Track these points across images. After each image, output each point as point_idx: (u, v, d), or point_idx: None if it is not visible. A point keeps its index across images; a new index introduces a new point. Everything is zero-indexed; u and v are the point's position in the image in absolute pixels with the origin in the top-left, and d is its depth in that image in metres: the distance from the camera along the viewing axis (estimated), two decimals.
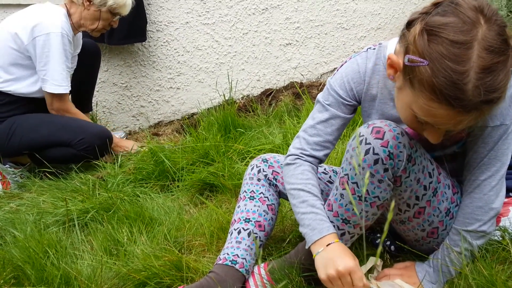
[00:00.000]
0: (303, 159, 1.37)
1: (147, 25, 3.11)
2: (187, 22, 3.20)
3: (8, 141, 2.46)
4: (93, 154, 2.47)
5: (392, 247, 1.48)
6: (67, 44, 2.44)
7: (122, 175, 2.19)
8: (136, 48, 3.21)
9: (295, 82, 3.31)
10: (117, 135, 3.10)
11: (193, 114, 3.37)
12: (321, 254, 1.22)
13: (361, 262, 1.41)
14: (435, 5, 1.07)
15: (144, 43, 3.16)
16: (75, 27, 2.57)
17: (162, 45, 3.23)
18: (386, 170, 1.18)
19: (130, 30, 3.02)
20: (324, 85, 3.16)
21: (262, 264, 1.42)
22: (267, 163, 1.57)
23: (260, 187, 1.53)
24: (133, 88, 3.29)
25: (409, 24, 1.09)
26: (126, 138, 3.16)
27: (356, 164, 1.20)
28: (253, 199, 1.51)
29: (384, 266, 1.42)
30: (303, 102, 2.88)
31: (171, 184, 2.16)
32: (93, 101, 3.05)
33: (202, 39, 3.25)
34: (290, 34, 3.33)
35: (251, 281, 1.40)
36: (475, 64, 0.97)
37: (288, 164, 1.39)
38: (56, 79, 2.43)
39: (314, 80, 3.43)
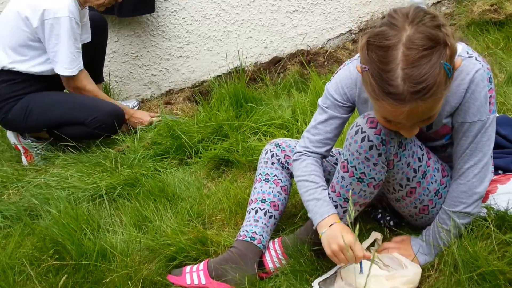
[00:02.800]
0: (307, 155, 1.58)
1: None
2: None
3: (26, 120, 2.63)
4: (106, 131, 2.63)
5: (392, 222, 1.70)
6: (75, 27, 2.56)
7: (143, 151, 2.38)
8: (145, 19, 3.32)
9: (302, 50, 3.44)
10: (130, 104, 3.29)
11: (203, 81, 3.53)
12: (325, 233, 1.44)
13: (364, 237, 1.64)
14: (382, 18, 1.27)
15: (152, 13, 3.28)
16: (81, 3, 2.67)
17: (170, 14, 3.34)
18: (379, 154, 1.39)
19: (139, 2, 3.13)
20: (329, 52, 3.31)
21: (277, 240, 1.65)
22: (280, 147, 1.77)
23: (274, 170, 1.73)
24: (144, 58, 3.44)
25: (362, 36, 1.27)
26: (139, 107, 3.34)
27: (354, 150, 1.40)
28: (268, 181, 1.72)
29: (384, 240, 1.64)
30: (309, 73, 3.02)
31: (188, 159, 2.36)
32: (105, 72, 3.21)
33: (210, 8, 3.36)
34: (296, 1, 3.42)
35: (267, 255, 1.63)
36: (400, 62, 1.16)
37: (295, 160, 1.60)
38: (65, 62, 2.56)
39: (320, 47, 3.55)
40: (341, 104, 1.53)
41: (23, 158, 2.77)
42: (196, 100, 3.25)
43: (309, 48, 3.51)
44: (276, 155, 1.75)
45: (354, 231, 1.31)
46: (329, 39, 3.56)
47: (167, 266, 1.64)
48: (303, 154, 1.59)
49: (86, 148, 2.63)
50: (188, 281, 1.56)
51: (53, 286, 1.63)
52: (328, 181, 1.72)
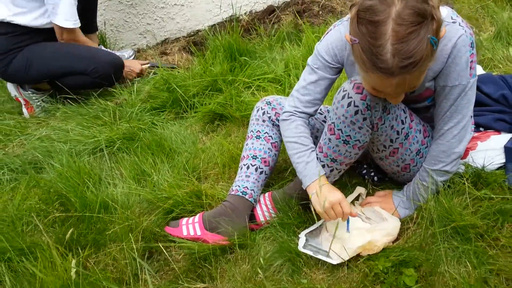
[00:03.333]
0: (297, 115, 1.64)
1: None
2: None
3: (27, 71, 2.67)
4: (107, 81, 2.70)
5: (375, 178, 1.80)
6: None
7: (140, 104, 2.45)
8: None
9: None
10: (126, 54, 3.31)
11: (198, 31, 3.53)
12: (315, 194, 1.54)
13: (349, 191, 1.75)
14: None
15: None
16: None
17: None
18: (364, 119, 1.47)
19: None
20: (324, 1, 3.29)
21: (267, 194, 1.75)
22: (271, 105, 1.84)
23: (265, 127, 1.81)
24: (139, 6, 3.42)
25: (351, 7, 1.31)
26: (134, 56, 3.36)
27: (340, 114, 1.48)
28: (259, 138, 1.81)
29: (367, 194, 1.75)
30: (303, 23, 3.03)
31: (184, 113, 2.43)
32: (100, 20, 3.21)
33: None
34: None
35: (258, 208, 1.74)
36: (390, 37, 1.21)
37: (283, 120, 1.66)
38: (65, 13, 2.57)
39: None
40: (331, 65, 1.58)
41: (24, 110, 2.83)
42: (191, 51, 3.28)
43: None
44: (267, 113, 1.83)
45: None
46: None
47: (165, 218, 1.76)
48: (292, 115, 1.65)
49: (85, 101, 2.69)
50: (185, 232, 1.68)
51: (60, 236, 1.74)
52: (316, 138, 1.81)
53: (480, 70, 2.13)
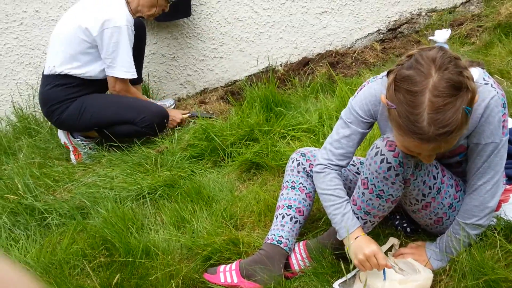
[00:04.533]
0: (331, 168, 1.70)
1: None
2: None
3: (80, 118, 2.87)
4: (153, 130, 2.86)
5: (408, 229, 1.83)
6: (131, 34, 2.78)
7: (180, 153, 2.58)
8: (182, 22, 3.50)
9: (331, 51, 3.55)
10: (167, 103, 3.49)
11: (235, 81, 3.70)
12: (352, 246, 1.59)
13: (382, 242, 1.79)
14: (408, 57, 1.38)
15: (189, 17, 3.44)
16: (133, 13, 2.88)
17: (205, 17, 3.51)
18: (397, 175, 1.52)
19: (176, 7, 3.30)
20: (357, 53, 3.41)
21: (302, 243, 1.81)
22: (305, 157, 1.91)
23: (299, 178, 1.89)
24: (180, 59, 3.62)
25: (388, 73, 1.40)
26: (175, 105, 3.54)
27: (373, 170, 1.54)
28: (294, 189, 1.88)
29: (400, 245, 1.79)
30: (336, 75, 3.14)
31: (222, 161, 2.54)
32: (144, 72, 3.41)
33: (242, 10, 3.50)
34: (326, 2, 3.53)
35: (293, 257, 1.80)
36: (427, 107, 1.29)
37: (318, 172, 1.72)
38: (125, 66, 2.79)
39: (348, 46, 3.65)
40: (364, 120, 1.65)
41: (72, 157, 3.01)
42: (229, 100, 3.43)
43: (337, 48, 3.62)
44: (302, 164, 1.90)
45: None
46: (358, 39, 3.66)
47: (203, 265, 1.83)
48: (326, 167, 1.72)
49: (129, 149, 2.84)
50: (222, 280, 1.74)
51: (104, 280, 1.84)
52: (350, 188, 1.87)
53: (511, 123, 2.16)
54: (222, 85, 3.71)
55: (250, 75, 3.68)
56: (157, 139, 2.86)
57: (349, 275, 1.67)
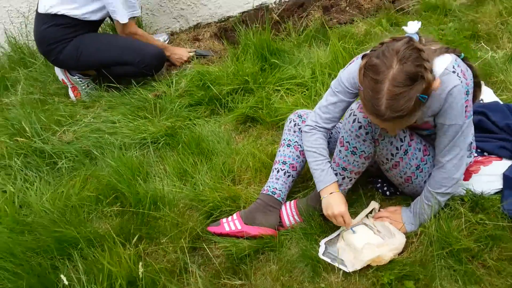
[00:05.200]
0: (317, 129, 1.93)
1: None
2: None
3: (78, 60, 2.96)
4: (151, 71, 2.99)
5: (388, 192, 2.09)
6: None
7: (179, 101, 2.73)
8: None
9: None
10: (161, 38, 3.56)
11: (229, 17, 3.74)
12: (325, 199, 1.88)
13: (364, 205, 2.05)
14: (381, 44, 1.61)
15: None
16: None
17: None
18: (367, 133, 1.80)
19: None
20: None
21: (293, 202, 2.06)
22: (301, 118, 2.12)
23: (295, 137, 2.11)
24: None
25: (363, 57, 1.64)
26: (168, 40, 3.60)
27: (347, 129, 1.81)
28: (289, 146, 2.11)
29: (381, 207, 2.05)
30: (330, 18, 3.23)
31: (219, 110, 2.71)
32: None
33: None
34: None
35: (284, 213, 2.05)
36: (385, 94, 1.53)
37: (306, 131, 1.96)
38: (129, 9, 2.87)
39: None
40: (350, 91, 1.86)
41: (71, 94, 3.13)
42: (222, 36, 3.52)
43: None
44: (298, 125, 2.12)
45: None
46: None
47: (206, 220, 2.08)
48: (313, 128, 1.95)
49: (127, 90, 2.96)
50: (227, 228, 2.01)
51: (118, 228, 2.08)
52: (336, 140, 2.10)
53: (491, 94, 2.37)
54: (215, 20, 3.75)
55: (244, 12, 3.72)
56: (154, 82, 2.98)
57: (334, 234, 1.94)
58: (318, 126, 1.92)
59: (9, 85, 3.31)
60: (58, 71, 3.13)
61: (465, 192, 1.97)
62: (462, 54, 1.80)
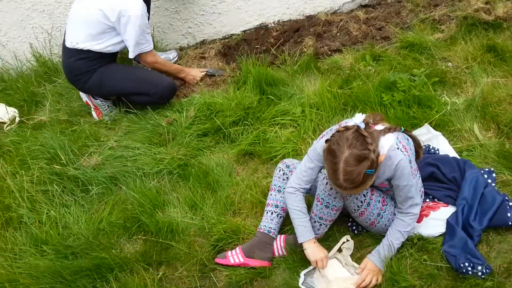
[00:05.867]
0: (300, 191, 2.47)
1: None
2: None
3: (101, 88, 3.45)
4: (164, 101, 3.49)
5: (356, 231, 2.66)
6: (144, 16, 3.25)
7: (190, 133, 3.24)
8: None
9: (319, 16, 3.99)
10: (171, 56, 4.02)
11: (232, 35, 4.17)
12: (307, 250, 2.44)
13: (338, 238, 2.62)
14: (338, 131, 2.15)
15: None
16: None
17: None
18: (337, 192, 2.35)
19: None
20: (343, 21, 3.88)
21: (282, 237, 2.63)
22: (289, 168, 2.67)
23: (284, 184, 2.65)
24: (182, 13, 4.02)
25: (326, 141, 2.18)
26: (177, 56, 4.05)
27: (322, 189, 2.36)
28: (279, 192, 2.66)
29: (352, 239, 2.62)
30: (322, 46, 3.69)
31: (223, 142, 3.23)
32: (149, 23, 3.86)
33: None
34: None
35: (275, 245, 2.63)
36: (341, 172, 2.09)
37: (290, 193, 2.48)
38: (140, 46, 3.33)
39: (336, 9, 4.09)
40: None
41: (94, 114, 3.64)
42: (226, 54, 3.98)
43: (326, 10, 4.05)
44: (286, 174, 2.66)
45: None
46: (345, 3, 4.08)
47: (213, 247, 2.66)
48: (297, 190, 2.48)
49: (143, 114, 3.47)
50: (232, 261, 2.58)
51: (140, 252, 2.66)
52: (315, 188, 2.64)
53: (446, 144, 2.88)
54: (219, 37, 4.18)
55: (246, 30, 4.14)
56: (166, 109, 3.49)
57: (311, 267, 2.53)
58: (301, 188, 2.46)
59: (38, 101, 3.82)
60: (82, 94, 3.62)
61: (414, 235, 2.53)
62: (402, 128, 2.35)
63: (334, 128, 2.38)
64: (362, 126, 2.19)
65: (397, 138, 2.27)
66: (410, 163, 2.29)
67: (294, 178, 2.49)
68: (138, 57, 3.45)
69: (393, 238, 2.44)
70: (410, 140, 2.36)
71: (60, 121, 3.59)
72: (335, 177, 2.12)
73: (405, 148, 2.28)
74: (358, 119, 2.23)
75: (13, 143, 3.38)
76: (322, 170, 2.44)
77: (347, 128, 2.15)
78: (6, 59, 4.10)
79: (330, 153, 2.13)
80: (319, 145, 2.37)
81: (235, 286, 2.52)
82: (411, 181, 2.28)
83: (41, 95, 3.88)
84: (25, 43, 4.08)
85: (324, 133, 2.42)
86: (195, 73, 3.77)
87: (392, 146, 2.23)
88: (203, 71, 3.81)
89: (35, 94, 3.88)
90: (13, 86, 3.93)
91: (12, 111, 3.72)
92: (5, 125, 3.66)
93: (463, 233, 2.46)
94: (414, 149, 2.38)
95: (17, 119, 3.70)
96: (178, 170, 3.08)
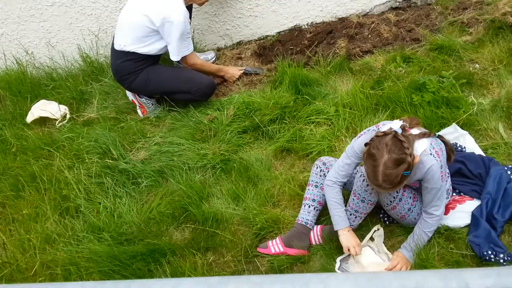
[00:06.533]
0: (337, 184, 2.75)
1: None
2: None
3: (146, 88, 3.78)
4: (204, 98, 3.81)
5: (387, 222, 2.93)
6: (187, 22, 3.56)
7: (228, 129, 3.54)
8: None
9: (351, 17, 4.25)
10: (209, 56, 4.34)
11: (267, 36, 4.45)
12: (341, 237, 2.72)
13: (370, 228, 2.90)
14: (377, 136, 2.40)
15: None
16: (186, 2, 3.60)
17: None
18: (372, 188, 2.61)
19: None
20: (374, 23, 4.13)
21: (319, 227, 2.93)
22: (325, 165, 2.95)
23: (321, 180, 2.94)
24: (220, 15, 4.33)
25: (366, 144, 2.44)
26: (215, 57, 4.37)
27: (359, 184, 2.64)
28: (316, 187, 2.94)
29: (383, 230, 2.90)
30: (354, 47, 3.95)
31: (261, 138, 3.53)
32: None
33: None
34: None
35: (312, 234, 2.92)
36: (381, 173, 2.34)
37: (328, 185, 2.77)
38: (181, 50, 3.62)
39: (368, 11, 4.34)
40: (360, 156, 2.66)
41: (139, 111, 3.97)
42: (261, 54, 4.27)
43: (358, 13, 4.31)
44: (322, 170, 2.94)
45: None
46: (376, 5, 4.33)
47: (255, 236, 2.96)
48: (334, 183, 2.77)
49: (186, 112, 3.79)
50: (273, 250, 2.88)
51: (189, 239, 2.98)
52: (352, 184, 2.92)
53: (472, 142, 3.12)
54: (255, 38, 4.47)
55: (280, 32, 4.42)
56: (207, 107, 3.80)
57: (347, 253, 2.81)
58: (338, 182, 2.74)
59: (86, 99, 4.17)
60: (128, 93, 3.96)
61: (441, 225, 2.80)
62: (436, 134, 2.59)
63: (372, 128, 2.65)
64: (400, 131, 2.43)
65: (431, 144, 2.52)
66: (441, 168, 2.53)
67: (332, 173, 2.78)
68: (182, 59, 3.77)
69: (418, 236, 2.71)
70: (443, 145, 2.62)
71: (109, 118, 3.93)
72: (375, 178, 2.38)
73: (438, 154, 2.53)
74: (396, 124, 2.47)
75: (67, 139, 3.73)
76: (358, 167, 2.72)
77: (385, 134, 2.41)
78: (55, 59, 4.46)
79: (370, 157, 2.39)
80: (356, 143, 2.65)
81: (277, 270, 2.82)
82: (440, 184, 2.53)
83: (88, 93, 4.23)
84: (73, 44, 4.43)
85: (362, 132, 2.69)
86: (233, 71, 4.08)
87: (425, 151, 2.48)
88: (241, 69, 4.12)
89: (83, 93, 4.23)
90: (62, 85, 4.28)
91: (64, 108, 4.07)
92: (57, 122, 4.01)
93: (487, 224, 2.71)
94: (446, 153, 2.63)
95: (68, 115, 4.06)
96: (221, 164, 3.39)
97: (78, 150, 3.61)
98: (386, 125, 2.55)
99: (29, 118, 3.99)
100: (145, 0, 3.55)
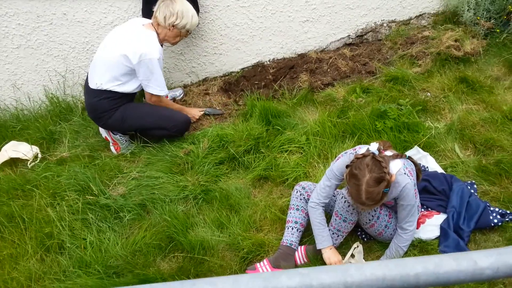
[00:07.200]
0: (320, 205, 3.01)
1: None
2: (228, 5, 4.36)
3: (122, 124, 3.92)
4: (180, 134, 4.00)
5: (365, 239, 3.21)
6: (161, 61, 3.76)
7: (205, 161, 3.75)
8: None
9: (311, 53, 4.63)
10: (177, 93, 4.55)
11: (231, 72, 4.74)
12: (325, 254, 2.97)
13: (350, 245, 3.16)
14: (357, 158, 2.68)
15: None
16: (161, 42, 3.82)
17: (208, 22, 4.42)
18: (353, 208, 2.89)
19: None
20: (332, 58, 4.52)
21: (303, 247, 3.16)
22: (305, 190, 3.20)
23: (302, 203, 3.18)
24: (186, 54, 4.58)
25: (347, 166, 2.71)
26: (183, 93, 4.59)
27: (340, 205, 2.89)
28: (298, 210, 3.18)
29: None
30: (316, 80, 4.30)
31: (238, 169, 3.75)
32: None
33: (240, 17, 4.44)
34: (308, 13, 4.52)
35: (296, 254, 3.14)
36: (364, 192, 2.61)
37: (312, 207, 3.02)
38: (159, 85, 3.81)
39: (324, 47, 4.74)
40: (339, 177, 2.94)
41: (112, 148, 4.10)
42: (227, 89, 4.53)
43: (315, 49, 4.70)
44: (302, 194, 3.20)
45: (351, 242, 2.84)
46: (331, 42, 4.74)
47: (243, 260, 3.15)
48: (317, 205, 3.02)
49: (161, 147, 3.96)
50: (261, 271, 3.07)
51: (178, 267, 3.12)
52: (331, 206, 3.18)
53: (433, 162, 3.50)
54: (220, 75, 4.74)
55: (244, 68, 4.72)
56: (182, 141, 3.99)
57: None
58: (321, 203, 3.00)
59: (56, 139, 4.25)
60: (102, 130, 4.08)
61: (414, 239, 3.10)
62: (407, 155, 2.93)
63: (349, 151, 2.94)
64: (377, 153, 2.74)
65: (404, 164, 2.84)
66: (415, 186, 2.85)
67: (315, 195, 3.04)
68: (147, 96, 3.94)
69: (396, 251, 3.00)
70: (413, 165, 2.95)
71: (82, 156, 4.03)
72: (358, 196, 2.64)
73: (411, 173, 2.85)
74: (373, 147, 2.77)
75: (43, 178, 3.78)
76: (339, 190, 3.01)
77: (364, 155, 2.69)
78: (20, 101, 4.52)
79: (353, 177, 2.65)
80: (335, 166, 2.93)
81: None
82: (414, 201, 2.84)
83: (58, 133, 4.31)
84: (39, 85, 4.52)
85: (339, 155, 2.98)
86: (194, 112, 4.25)
87: (399, 171, 2.79)
88: (202, 111, 4.32)
89: (52, 132, 4.30)
90: (31, 126, 4.34)
91: (35, 149, 4.12)
92: (28, 162, 4.05)
93: (455, 235, 3.05)
94: (415, 173, 2.96)
95: (39, 155, 4.11)
96: (202, 194, 3.57)
97: (56, 188, 3.67)
98: (362, 148, 2.86)
99: (0, 159, 4.01)
100: (121, 39, 3.74)
